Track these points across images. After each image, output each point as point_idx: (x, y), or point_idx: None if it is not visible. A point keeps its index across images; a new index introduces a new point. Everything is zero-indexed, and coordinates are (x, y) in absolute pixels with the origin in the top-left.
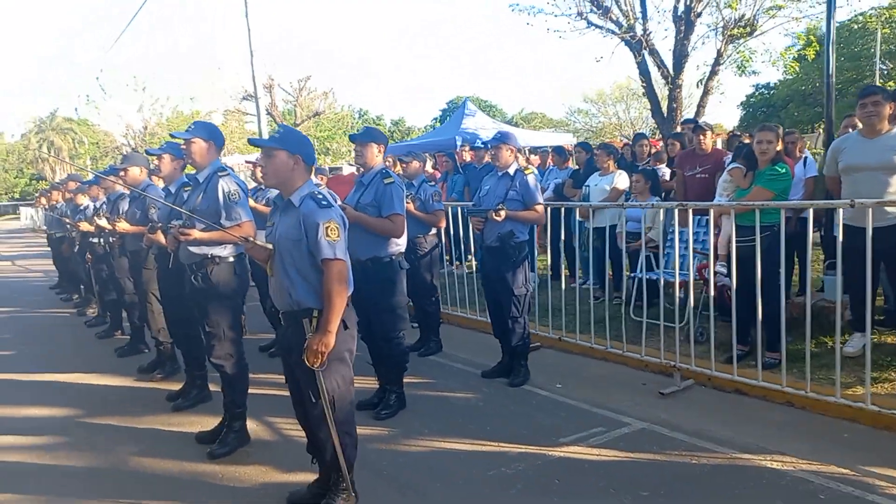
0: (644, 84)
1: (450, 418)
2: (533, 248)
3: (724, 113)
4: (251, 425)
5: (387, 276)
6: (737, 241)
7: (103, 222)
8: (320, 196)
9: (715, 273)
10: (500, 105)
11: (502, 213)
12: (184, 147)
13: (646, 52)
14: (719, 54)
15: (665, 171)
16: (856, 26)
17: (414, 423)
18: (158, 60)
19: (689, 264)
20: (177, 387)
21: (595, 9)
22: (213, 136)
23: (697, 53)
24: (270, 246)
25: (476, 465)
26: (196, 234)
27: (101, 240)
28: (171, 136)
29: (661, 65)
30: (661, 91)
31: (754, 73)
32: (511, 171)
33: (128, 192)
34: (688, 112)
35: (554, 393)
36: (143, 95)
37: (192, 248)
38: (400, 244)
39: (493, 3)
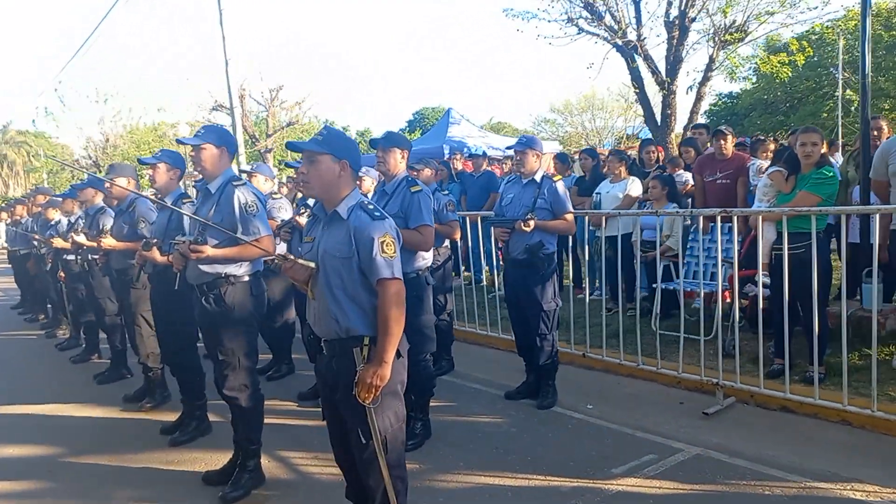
0: (637, 90)
1: (484, 448)
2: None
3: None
4: (264, 462)
5: (413, 294)
6: (777, 249)
7: (81, 238)
8: (371, 206)
9: (744, 282)
10: (466, 115)
11: (531, 222)
12: (192, 154)
13: (640, 58)
14: (711, 60)
15: (687, 177)
16: (814, 36)
17: (446, 455)
18: (124, 72)
19: (718, 274)
20: (168, 417)
21: (588, 14)
22: (225, 140)
23: (688, 59)
24: (313, 265)
25: (527, 502)
26: (210, 250)
27: (79, 257)
28: (178, 141)
29: (655, 70)
30: (653, 98)
31: (745, 78)
32: (538, 177)
33: (112, 205)
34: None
35: (588, 415)
36: (104, 108)
37: (203, 267)
38: (427, 258)
39: (460, 15)
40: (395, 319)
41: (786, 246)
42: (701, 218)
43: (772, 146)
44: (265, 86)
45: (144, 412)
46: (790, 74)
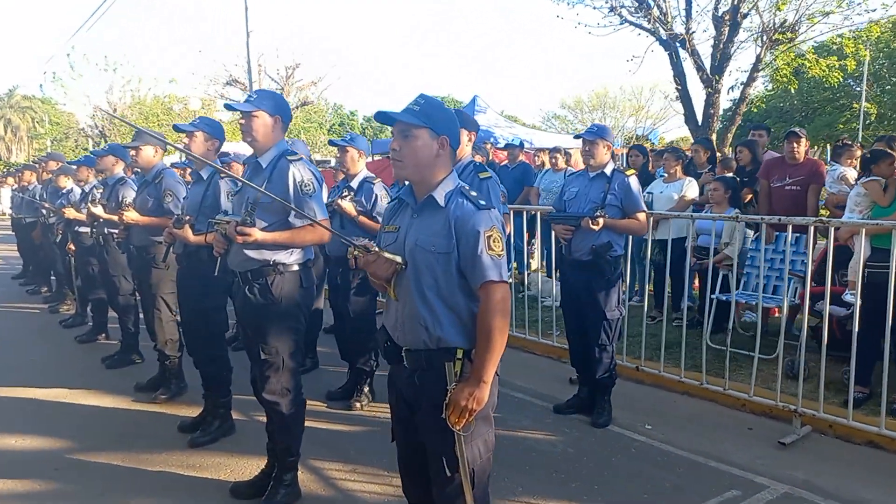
0: (679, 87)
1: (541, 470)
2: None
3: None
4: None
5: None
6: (871, 266)
7: (99, 210)
8: (474, 193)
9: (814, 300)
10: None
11: (601, 220)
12: (242, 122)
13: (686, 53)
14: (758, 60)
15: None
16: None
17: (501, 477)
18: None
19: (784, 287)
20: (185, 411)
21: (634, 2)
22: (281, 109)
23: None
24: (399, 259)
25: None
26: (259, 234)
27: (94, 230)
28: (228, 107)
29: (700, 67)
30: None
31: (788, 82)
32: (607, 171)
33: (131, 175)
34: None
35: (650, 438)
36: (113, 76)
37: (249, 252)
38: None
39: (476, 6)
40: (499, 331)
41: (893, 265)
42: (765, 226)
43: (858, 152)
44: (281, 63)
45: (159, 404)
46: (840, 80)
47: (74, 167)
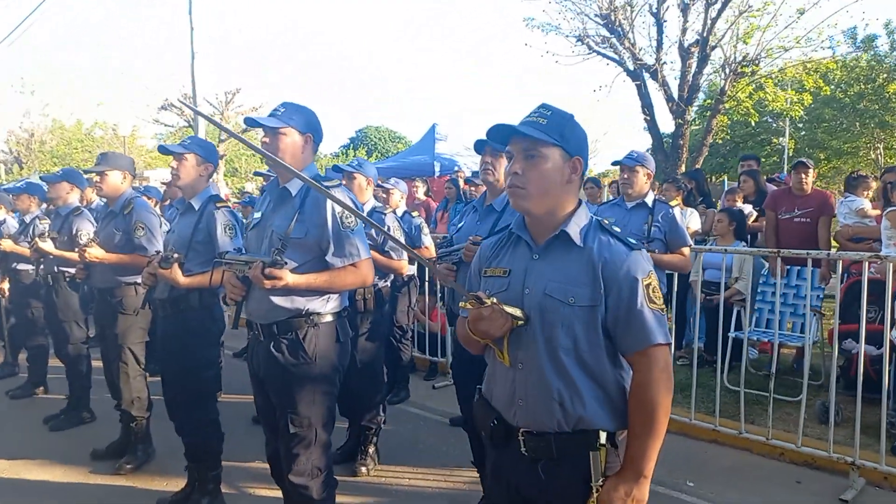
0: (647, 118)
1: None
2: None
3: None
4: None
5: None
6: None
7: (48, 245)
8: (616, 228)
9: (842, 338)
10: (408, 137)
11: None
12: (266, 141)
13: (656, 84)
14: (723, 92)
15: (751, 211)
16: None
17: None
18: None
19: (808, 325)
20: (157, 482)
21: (607, 33)
22: (312, 126)
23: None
24: (520, 314)
25: None
26: (291, 277)
27: (40, 268)
28: (249, 123)
29: (670, 98)
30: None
31: (748, 115)
32: (648, 201)
33: (87, 204)
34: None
35: (699, 498)
36: (31, 100)
37: (276, 300)
38: None
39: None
40: (666, 408)
41: None
42: (778, 260)
43: (874, 184)
44: (220, 88)
45: (125, 476)
46: (801, 113)
47: (10, 196)
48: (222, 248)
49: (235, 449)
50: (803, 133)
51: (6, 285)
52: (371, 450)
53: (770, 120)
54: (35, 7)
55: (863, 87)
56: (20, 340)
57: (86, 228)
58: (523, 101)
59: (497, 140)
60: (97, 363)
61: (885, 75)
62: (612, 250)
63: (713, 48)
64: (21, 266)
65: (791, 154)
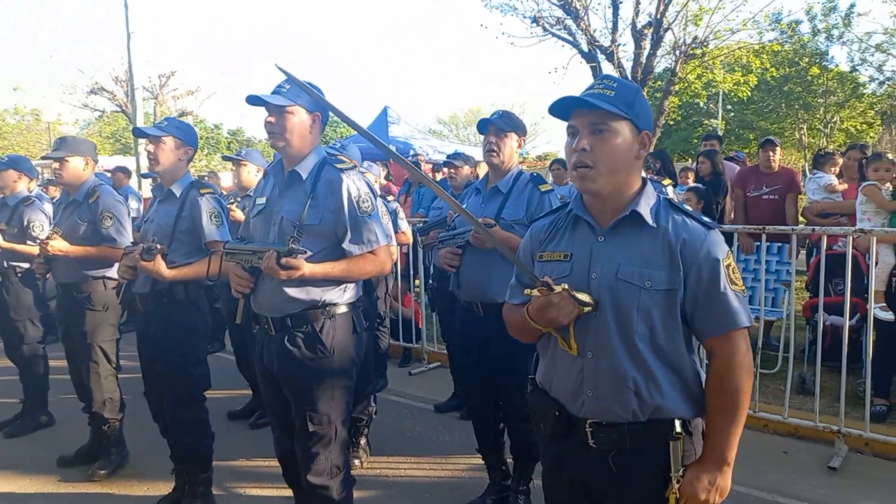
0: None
1: None
2: None
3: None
4: None
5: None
6: None
7: None
8: (687, 206)
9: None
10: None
11: None
12: (271, 121)
13: (612, 66)
14: (674, 73)
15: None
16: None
17: None
18: None
19: (786, 300)
20: (136, 488)
21: (563, 14)
22: (319, 105)
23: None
24: (589, 299)
25: None
26: (308, 267)
27: None
28: (252, 101)
29: (625, 79)
30: None
31: (694, 96)
32: None
33: (55, 194)
34: None
35: None
36: None
37: (290, 291)
38: None
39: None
40: (747, 393)
41: None
42: (739, 236)
43: (840, 160)
44: (153, 71)
45: (99, 482)
46: (749, 94)
47: None
48: (209, 237)
49: (217, 448)
50: (732, 114)
51: None
52: (363, 441)
53: (699, 102)
54: None
55: (787, 70)
56: None
57: (38, 219)
58: (510, 100)
59: (559, 114)
60: (53, 363)
61: (807, 59)
62: (689, 230)
63: (666, 30)
64: None
65: (721, 134)
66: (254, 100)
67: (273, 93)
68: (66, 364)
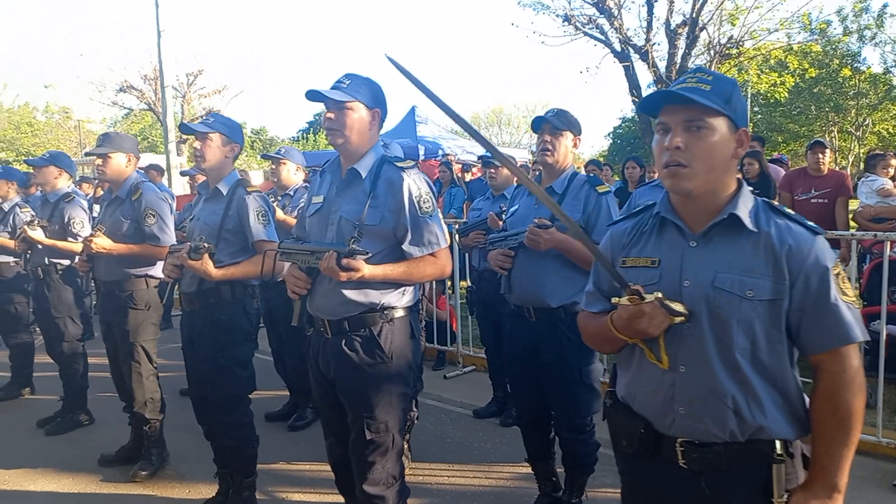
0: (636, 99)
1: None
2: None
3: (590, 142)
4: None
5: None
6: None
7: (38, 234)
8: (785, 208)
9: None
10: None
11: None
12: (331, 116)
13: (646, 66)
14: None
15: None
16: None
17: None
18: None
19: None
20: (177, 490)
21: (597, 13)
22: (380, 101)
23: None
24: (682, 309)
25: None
26: (369, 269)
27: (28, 260)
28: (312, 94)
29: (661, 79)
30: None
31: None
32: None
33: (89, 192)
34: None
35: None
36: None
37: (349, 294)
38: None
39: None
40: (860, 413)
41: None
42: None
43: (894, 161)
44: (181, 69)
45: (140, 483)
46: (786, 96)
47: None
48: (256, 236)
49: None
50: (760, 117)
51: None
52: (405, 447)
53: None
54: None
55: (818, 71)
56: (5, 339)
57: (79, 216)
58: (532, 101)
59: (648, 110)
60: (91, 360)
61: (838, 60)
62: (795, 235)
63: (702, 29)
64: (1, 259)
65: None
66: (313, 95)
67: (333, 88)
68: (105, 362)
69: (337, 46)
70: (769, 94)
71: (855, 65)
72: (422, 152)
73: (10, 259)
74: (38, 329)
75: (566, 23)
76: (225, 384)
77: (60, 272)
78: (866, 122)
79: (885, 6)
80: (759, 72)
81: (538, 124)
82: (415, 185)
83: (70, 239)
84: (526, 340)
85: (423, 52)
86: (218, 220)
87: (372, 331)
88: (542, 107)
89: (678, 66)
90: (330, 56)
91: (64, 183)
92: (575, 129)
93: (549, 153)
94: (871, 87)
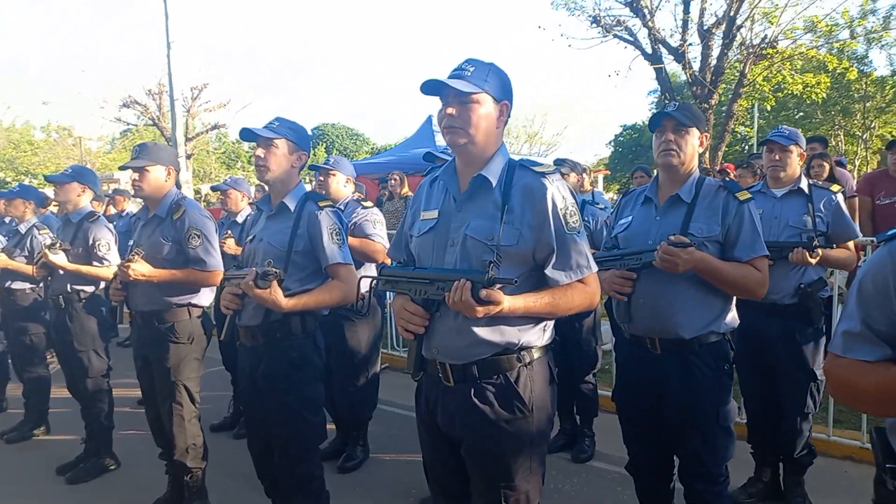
0: (668, 101)
1: None
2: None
3: (591, 149)
4: None
5: (721, 367)
6: None
7: (61, 258)
8: None
9: None
10: (366, 134)
11: (820, 252)
12: (451, 113)
13: (680, 67)
14: (743, 75)
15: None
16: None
17: None
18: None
19: None
20: None
21: (632, 14)
22: (507, 92)
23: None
24: None
25: None
26: (509, 301)
27: (49, 286)
28: (431, 86)
29: (696, 81)
30: None
31: (762, 99)
32: (804, 186)
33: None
34: None
35: None
36: None
37: (481, 332)
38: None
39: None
40: None
41: None
42: (872, 248)
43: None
44: (185, 84)
45: None
46: (824, 95)
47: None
48: (331, 259)
49: None
50: (762, 122)
51: None
52: None
53: (768, 107)
54: None
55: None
56: (8, 370)
57: (105, 237)
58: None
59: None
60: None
61: (846, 63)
62: None
63: (739, 28)
64: (16, 285)
65: (750, 144)
66: (431, 87)
67: (452, 76)
68: (125, 393)
69: (340, 47)
70: (805, 96)
71: (861, 67)
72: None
73: (27, 286)
74: (52, 357)
75: (595, 24)
76: (294, 432)
77: (84, 300)
78: (873, 126)
79: (893, 7)
80: (792, 73)
81: (658, 120)
82: (559, 194)
83: (95, 263)
84: (649, 378)
85: (424, 53)
86: (285, 241)
87: (508, 377)
88: (541, 117)
89: (713, 67)
90: (332, 56)
91: (87, 201)
92: (702, 125)
93: (673, 153)
94: (878, 90)
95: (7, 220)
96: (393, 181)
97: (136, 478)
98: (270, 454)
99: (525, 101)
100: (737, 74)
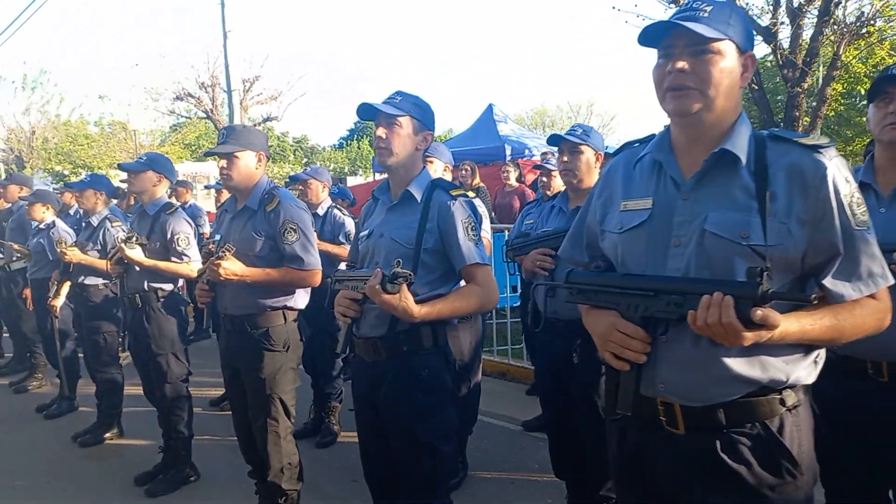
0: (756, 87)
1: None
2: None
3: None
4: None
5: None
6: None
7: (137, 253)
8: None
9: None
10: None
11: None
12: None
13: (769, 48)
14: (837, 57)
15: None
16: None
17: None
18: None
19: None
20: None
21: None
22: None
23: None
24: None
25: None
26: (784, 325)
27: (124, 284)
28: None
29: (786, 63)
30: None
31: (856, 82)
32: None
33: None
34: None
35: None
36: (31, 96)
37: (733, 364)
38: None
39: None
40: None
41: None
42: None
43: None
44: (237, 75)
45: None
46: None
47: (62, 192)
48: (467, 258)
49: None
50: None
51: (56, 303)
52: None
53: (862, 91)
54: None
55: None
56: (79, 368)
57: (184, 230)
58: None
59: None
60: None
61: None
62: None
63: (837, 4)
64: (89, 280)
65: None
66: (659, 30)
67: (681, 17)
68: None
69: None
70: None
71: None
72: (508, 152)
73: (100, 281)
74: (126, 356)
75: (672, 4)
76: (422, 464)
77: (162, 300)
78: None
79: None
80: (891, 52)
81: (882, 87)
82: (841, 175)
83: (174, 259)
84: None
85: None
86: (412, 237)
87: (768, 426)
88: (586, 107)
89: (807, 47)
90: (367, 66)
91: (163, 191)
92: None
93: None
94: None
95: (71, 211)
96: (464, 171)
97: (217, 489)
98: (393, 487)
99: (569, 95)
100: (829, 56)
